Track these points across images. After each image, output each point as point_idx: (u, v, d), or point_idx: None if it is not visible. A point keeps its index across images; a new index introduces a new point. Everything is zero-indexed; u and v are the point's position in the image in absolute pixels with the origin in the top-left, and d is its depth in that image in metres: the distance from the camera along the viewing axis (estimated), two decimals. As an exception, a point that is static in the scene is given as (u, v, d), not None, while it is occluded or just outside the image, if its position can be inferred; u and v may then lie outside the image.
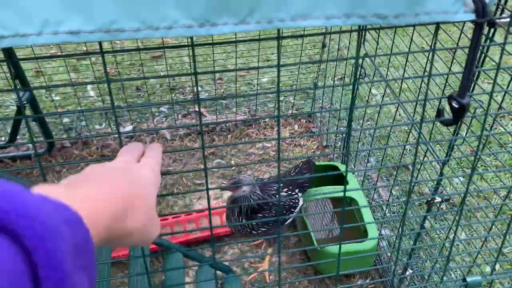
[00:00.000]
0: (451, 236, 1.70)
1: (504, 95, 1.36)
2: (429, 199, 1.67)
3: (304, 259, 2.33)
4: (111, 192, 0.54)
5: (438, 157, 1.73)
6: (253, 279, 2.23)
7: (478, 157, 0.96)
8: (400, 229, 1.03)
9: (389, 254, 2.22)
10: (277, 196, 2.11)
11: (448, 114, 0.89)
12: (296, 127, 3.18)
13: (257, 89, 3.30)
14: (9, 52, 2.37)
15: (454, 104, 0.89)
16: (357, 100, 2.78)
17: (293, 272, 2.26)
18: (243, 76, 3.54)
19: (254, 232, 2.04)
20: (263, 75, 3.54)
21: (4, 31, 0.52)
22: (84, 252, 0.42)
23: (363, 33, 2.23)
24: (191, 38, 0.69)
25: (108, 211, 0.51)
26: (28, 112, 2.75)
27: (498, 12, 1.24)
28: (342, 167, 2.49)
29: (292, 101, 3.33)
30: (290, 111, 3.26)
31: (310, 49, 3.34)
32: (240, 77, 3.51)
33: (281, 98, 3.33)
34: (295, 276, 2.25)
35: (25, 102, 2.47)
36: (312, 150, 3.00)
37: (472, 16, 0.75)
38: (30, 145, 2.86)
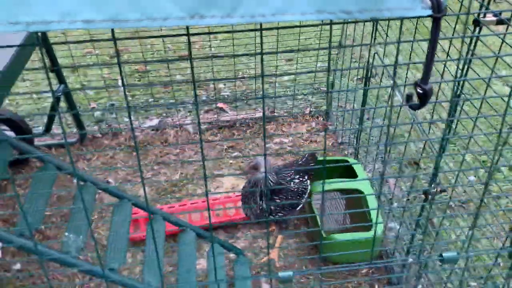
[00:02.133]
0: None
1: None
2: (426, 190, 1.77)
3: (312, 251, 2.45)
4: None
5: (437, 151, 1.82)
6: (263, 263, 2.36)
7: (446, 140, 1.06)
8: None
9: (394, 246, 2.31)
10: (291, 181, 2.26)
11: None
12: (313, 124, 3.30)
13: (275, 87, 3.43)
14: (47, 50, 2.60)
15: (419, 90, 1.01)
16: (370, 99, 2.87)
17: (303, 261, 2.38)
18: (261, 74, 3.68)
19: (272, 216, 2.18)
20: (283, 75, 3.67)
21: (33, 17, 0.68)
22: None
23: (374, 34, 2.33)
24: (187, 27, 0.84)
25: None
26: (63, 104, 2.99)
27: (483, 13, 1.33)
28: (352, 161, 2.60)
29: (311, 99, 3.44)
30: (308, 109, 3.38)
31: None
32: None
33: (300, 96, 3.45)
34: (304, 265, 2.36)
35: (60, 94, 2.70)
36: (328, 146, 3.10)
37: (429, 12, 0.87)
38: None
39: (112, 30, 0.82)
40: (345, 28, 3.04)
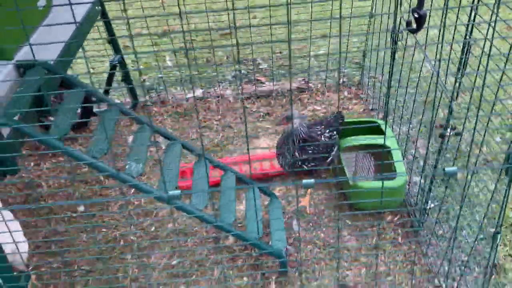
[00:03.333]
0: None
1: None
2: (442, 133, 1.96)
3: (340, 200, 2.67)
4: None
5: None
6: (295, 209, 2.62)
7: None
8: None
9: (417, 197, 2.49)
10: (321, 135, 2.49)
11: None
12: (345, 93, 3.50)
13: (309, 60, 3.65)
14: (106, 24, 2.96)
15: (415, 15, 1.23)
16: (398, 67, 3.03)
17: (332, 208, 2.61)
18: (300, 49, 3.92)
19: (304, 166, 2.42)
20: (319, 48, 3.89)
21: None
22: None
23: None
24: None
25: None
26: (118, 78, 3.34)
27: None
28: (382, 123, 2.80)
29: (344, 70, 3.64)
30: (341, 80, 3.58)
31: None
32: (297, 50, 3.89)
33: (333, 68, 3.66)
34: (332, 212, 2.60)
35: (116, 62, 3.05)
36: (359, 112, 3.30)
37: None
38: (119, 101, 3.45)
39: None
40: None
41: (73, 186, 2.87)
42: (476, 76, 1.80)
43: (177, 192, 1.47)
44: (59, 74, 1.84)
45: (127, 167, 1.85)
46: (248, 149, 1.33)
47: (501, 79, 1.51)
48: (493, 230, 1.59)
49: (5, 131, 1.64)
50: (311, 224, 2.52)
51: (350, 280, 2.22)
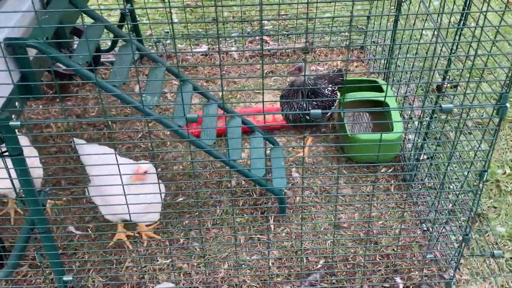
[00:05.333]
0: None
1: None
2: (439, 84, 2.08)
3: (338, 153, 2.81)
4: None
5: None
6: (295, 159, 2.76)
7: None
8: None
9: (410, 153, 2.63)
10: (325, 89, 2.61)
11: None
12: (348, 55, 3.60)
13: (314, 23, 3.73)
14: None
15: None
16: (400, 34, 3.13)
17: (329, 160, 2.75)
18: (304, 13, 3.99)
19: (307, 117, 2.54)
20: (323, 13, 3.96)
21: None
22: None
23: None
24: None
25: None
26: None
27: None
28: (382, 82, 2.93)
29: (347, 34, 3.73)
30: (344, 43, 3.68)
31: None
32: (303, 14, 3.97)
33: (336, 31, 3.74)
34: (330, 163, 2.74)
35: (128, 12, 3.11)
36: (360, 75, 3.41)
37: None
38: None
39: None
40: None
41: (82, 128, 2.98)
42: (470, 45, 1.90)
43: (195, 115, 1.58)
44: (80, 7, 1.92)
45: (142, 99, 1.95)
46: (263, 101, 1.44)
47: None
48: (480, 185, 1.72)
49: (32, 53, 1.72)
50: (309, 172, 2.66)
51: (343, 221, 2.38)
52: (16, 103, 1.65)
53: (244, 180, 2.60)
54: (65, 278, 1.98)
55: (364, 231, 2.34)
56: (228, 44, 3.73)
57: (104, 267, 2.20)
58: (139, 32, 3.45)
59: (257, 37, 3.77)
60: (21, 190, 1.77)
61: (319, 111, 1.60)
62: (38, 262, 2.03)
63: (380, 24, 3.37)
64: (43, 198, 1.86)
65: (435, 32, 2.32)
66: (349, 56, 3.01)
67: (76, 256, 2.24)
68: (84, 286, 2.13)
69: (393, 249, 2.25)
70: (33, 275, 2.16)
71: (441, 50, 2.12)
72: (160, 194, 1.96)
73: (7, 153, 1.67)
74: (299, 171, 2.67)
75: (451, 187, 2.44)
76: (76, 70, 1.77)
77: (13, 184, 1.74)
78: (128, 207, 1.65)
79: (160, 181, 2.17)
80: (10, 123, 1.58)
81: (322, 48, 3.64)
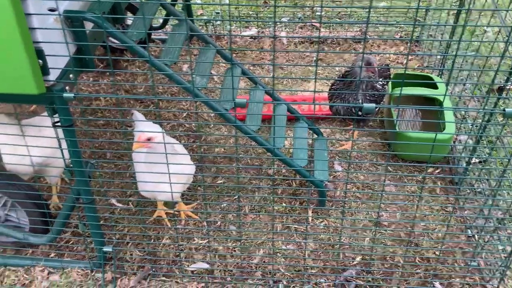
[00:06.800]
0: None
1: None
2: (501, 86, 1.96)
3: (384, 149, 2.73)
4: None
5: None
6: (338, 151, 2.70)
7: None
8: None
9: (461, 156, 2.51)
10: (376, 82, 2.52)
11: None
12: (401, 48, 3.47)
13: (369, 13, 3.59)
14: None
15: None
16: (463, 33, 2.97)
17: (374, 156, 2.67)
18: (360, 1, 3.86)
19: (353, 111, 2.47)
20: (379, 2, 3.82)
21: None
22: None
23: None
24: None
25: None
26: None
27: None
28: (437, 78, 2.80)
29: (403, 26, 3.58)
30: (399, 35, 3.54)
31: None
32: (357, 2, 3.84)
33: (393, 23, 3.60)
34: (374, 158, 2.66)
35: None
36: (413, 69, 3.28)
37: None
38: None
39: None
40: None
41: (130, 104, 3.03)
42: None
43: (243, 100, 1.56)
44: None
45: (192, 79, 1.94)
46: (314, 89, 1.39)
47: None
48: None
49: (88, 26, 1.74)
50: (352, 166, 2.60)
51: (384, 220, 2.31)
52: (71, 75, 1.68)
53: (285, 169, 2.57)
54: (105, 248, 2.04)
55: (405, 232, 2.26)
56: (278, 29, 3.67)
57: (142, 242, 2.24)
58: (191, 12, 3.45)
59: (307, 24, 3.69)
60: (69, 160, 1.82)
61: (373, 105, 1.54)
62: (81, 231, 2.09)
63: (439, 16, 3.21)
64: (89, 170, 1.90)
65: (500, 30, 2.18)
66: (409, 48, 2.86)
67: (116, 229, 2.29)
68: (122, 258, 2.18)
69: (435, 253, 2.17)
70: (75, 243, 2.23)
71: (506, 49, 1.99)
72: (179, 174, 1.86)
73: (59, 123, 1.71)
74: (342, 164, 2.61)
75: (504, 193, 2.31)
76: (129, 47, 1.78)
77: (62, 154, 1.79)
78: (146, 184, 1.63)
79: (190, 162, 2.15)
80: (64, 94, 1.61)
81: (376, 38, 3.52)
